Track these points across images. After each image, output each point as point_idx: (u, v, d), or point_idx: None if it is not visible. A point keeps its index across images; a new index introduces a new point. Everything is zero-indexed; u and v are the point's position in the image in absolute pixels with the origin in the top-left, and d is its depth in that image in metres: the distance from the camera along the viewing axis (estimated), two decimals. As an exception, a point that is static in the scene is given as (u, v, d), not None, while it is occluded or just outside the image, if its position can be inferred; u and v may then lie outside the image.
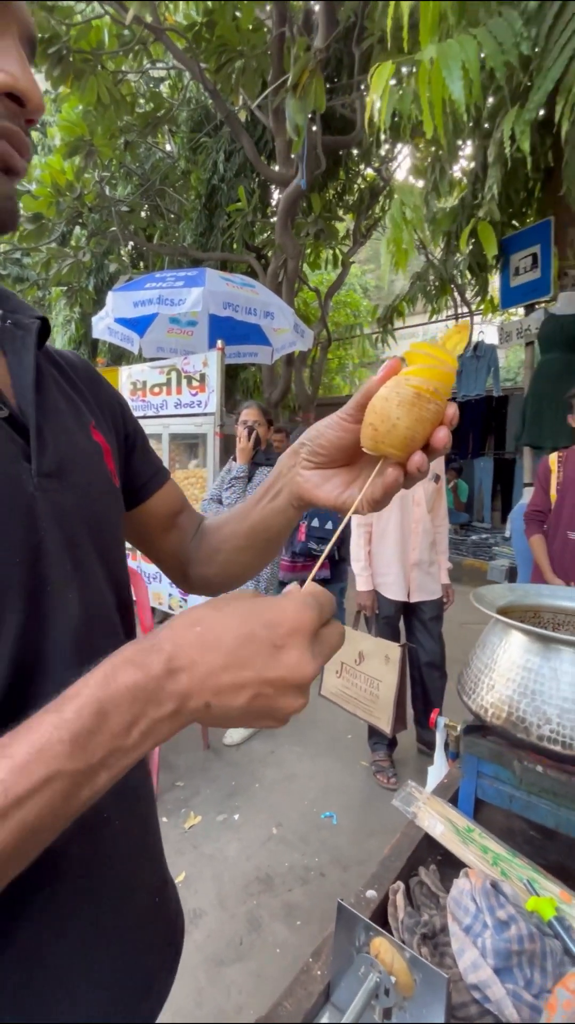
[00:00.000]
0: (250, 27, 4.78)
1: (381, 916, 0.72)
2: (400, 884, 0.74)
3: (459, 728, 1.02)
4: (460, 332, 0.41)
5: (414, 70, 1.67)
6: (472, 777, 0.91)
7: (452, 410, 0.39)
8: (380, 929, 0.56)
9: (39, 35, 4.36)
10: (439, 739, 1.12)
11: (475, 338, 8.19)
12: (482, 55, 1.55)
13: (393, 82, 1.74)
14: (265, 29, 5.10)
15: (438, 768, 1.11)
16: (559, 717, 0.78)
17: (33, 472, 0.42)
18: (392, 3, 1.49)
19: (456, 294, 7.86)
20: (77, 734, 0.29)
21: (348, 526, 2.52)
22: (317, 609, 0.33)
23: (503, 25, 1.48)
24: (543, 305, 4.51)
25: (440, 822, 0.86)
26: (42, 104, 0.39)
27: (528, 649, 0.85)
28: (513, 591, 1.06)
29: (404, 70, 1.85)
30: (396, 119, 1.92)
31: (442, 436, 0.39)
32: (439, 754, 1.12)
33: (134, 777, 0.50)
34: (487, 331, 8.93)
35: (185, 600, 3.85)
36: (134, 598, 0.57)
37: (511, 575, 5.88)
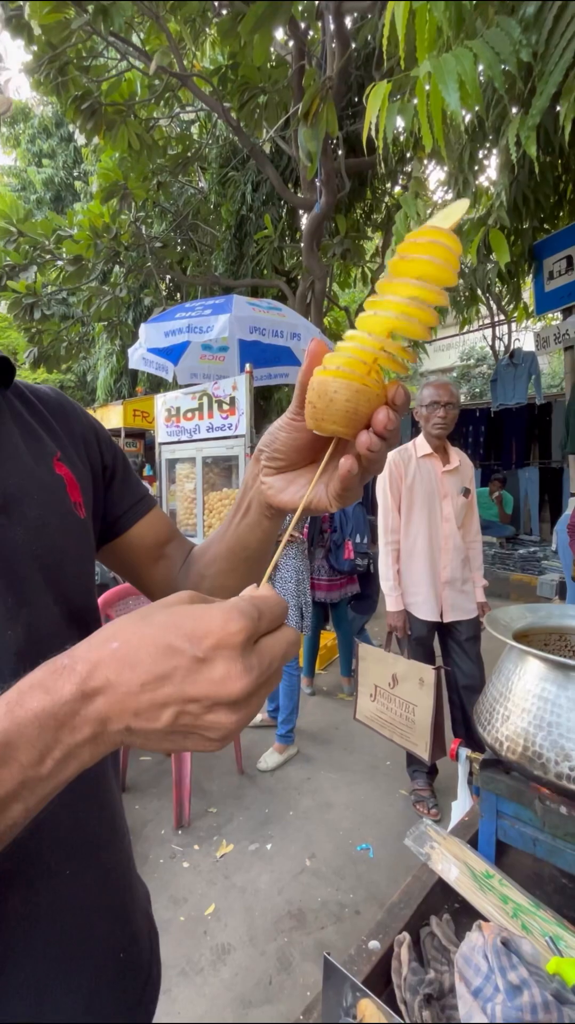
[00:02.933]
0: (271, 64, 4.96)
1: (384, 971, 0.67)
2: (406, 936, 0.69)
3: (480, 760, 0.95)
4: (460, 210, 0.36)
5: (411, 87, 1.67)
6: (491, 817, 0.85)
7: (395, 390, 0.36)
8: (366, 990, 0.51)
9: (74, 94, 4.69)
10: (462, 772, 1.05)
11: (512, 345, 7.97)
12: (479, 66, 1.54)
13: (397, 98, 1.75)
14: (287, 63, 5.28)
15: (462, 804, 1.04)
16: (579, 753, 0.71)
17: None
18: (388, 26, 1.50)
19: (491, 302, 7.70)
20: None
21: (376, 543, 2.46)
22: (251, 616, 0.30)
23: (500, 35, 1.46)
24: (581, 308, 4.34)
25: (456, 866, 0.80)
26: None
27: (544, 677, 0.78)
28: (534, 612, 0.99)
29: (404, 89, 1.86)
30: (401, 135, 1.92)
31: (382, 418, 0.36)
32: (462, 788, 1.04)
33: (92, 822, 0.48)
34: (524, 338, 8.68)
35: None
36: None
37: (562, 590, 5.57)
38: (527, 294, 5.66)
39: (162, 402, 4.54)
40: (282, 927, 1.73)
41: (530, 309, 5.47)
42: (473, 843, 0.88)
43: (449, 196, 5.35)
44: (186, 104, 6.71)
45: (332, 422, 0.36)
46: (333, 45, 3.94)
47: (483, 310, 8.30)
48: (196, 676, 0.28)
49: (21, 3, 3.86)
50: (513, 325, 8.23)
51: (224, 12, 5.30)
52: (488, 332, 8.69)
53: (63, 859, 0.44)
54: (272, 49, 4.60)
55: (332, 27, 3.56)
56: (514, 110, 2.38)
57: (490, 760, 0.86)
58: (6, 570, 0.43)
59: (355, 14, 4.80)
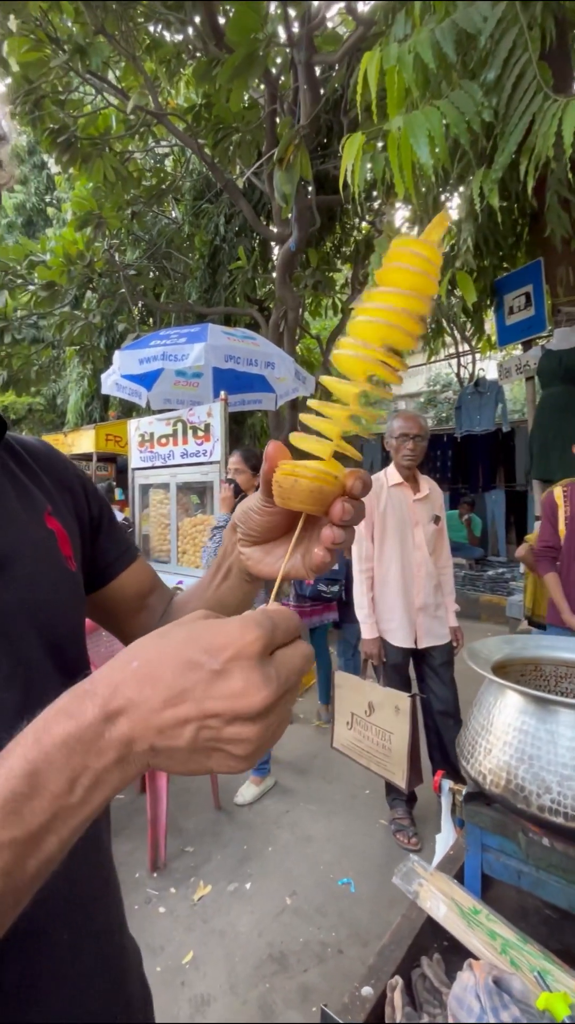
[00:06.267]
0: (244, 105, 5.17)
1: (379, 1017, 0.66)
2: (398, 980, 0.69)
3: (463, 793, 0.96)
4: (441, 223, 0.38)
5: (384, 139, 1.79)
6: (477, 850, 0.86)
7: (352, 481, 0.37)
8: (365, 1042, 0.51)
9: (50, 127, 4.77)
10: (445, 804, 1.06)
11: (476, 374, 8.32)
12: (446, 123, 1.66)
13: (379, 145, 1.85)
14: (259, 105, 5.51)
15: (446, 836, 1.05)
16: (559, 786, 0.73)
17: None
18: (361, 84, 1.62)
19: (456, 333, 8.04)
20: (7, 800, 0.27)
21: (350, 568, 2.50)
22: (267, 627, 0.29)
23: (464, 97, 1.59)
24: (540, 341, 4.58)
25: (444, 903, 0.80)
26: None
27: (523, 710, 0.81)
28: (511, 643, 1.03)
29: (376, 139, 1.99)
30: (371, 178, 2.03)
31: (337, 511, 0.37)
32: (446, 821, 1.05)
33: (86, 884, 0.48)
34: (488, 366, 9.08)
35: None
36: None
37: (530, 611, 5.71)
38: (489, 327, 5.95)
39: (135, 427, 4.53)
40: (263, 972, 1.68)
41: (493, 341, 5.74)
42: (459, 878, 0.89)
43: (414, 232, 5.64)
44: (161, 139, 6.89)
45: (299, 501, 0.38)
46: (305, 87, 4.14)
47: (448, 339, 8.66)
48: (214, 690, 0.28)
49: (-1, 39, 3.93)
50: (477, 355, 8.61)
51: (199, 55, 5.53)
52: (454, 360, 9.05)
53: (60, 926, 0.43)
54: (245, 92, 4.80)
55: (304, 78, 3.76)
56: (478, 157, 2.55)
57: (474, 793, 0.87)
58: (4, 633, 0.43)
59: (324, 64, 5.06)
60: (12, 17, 3.76)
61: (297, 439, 0.38)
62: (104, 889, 0.50)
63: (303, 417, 0.38)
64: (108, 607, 0.63)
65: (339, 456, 0.39)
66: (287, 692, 0.30)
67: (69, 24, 4.47)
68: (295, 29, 3.64)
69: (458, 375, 9.07)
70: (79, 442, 8.42)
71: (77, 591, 0.53)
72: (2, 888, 0.27)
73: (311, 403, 0.38)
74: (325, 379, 0.38)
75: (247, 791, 2.62)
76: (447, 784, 1.05)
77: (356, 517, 0.38)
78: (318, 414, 0.38)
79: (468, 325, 5.70)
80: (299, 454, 0.39)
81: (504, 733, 0.82)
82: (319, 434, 0.38)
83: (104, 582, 0.61)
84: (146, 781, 2.14)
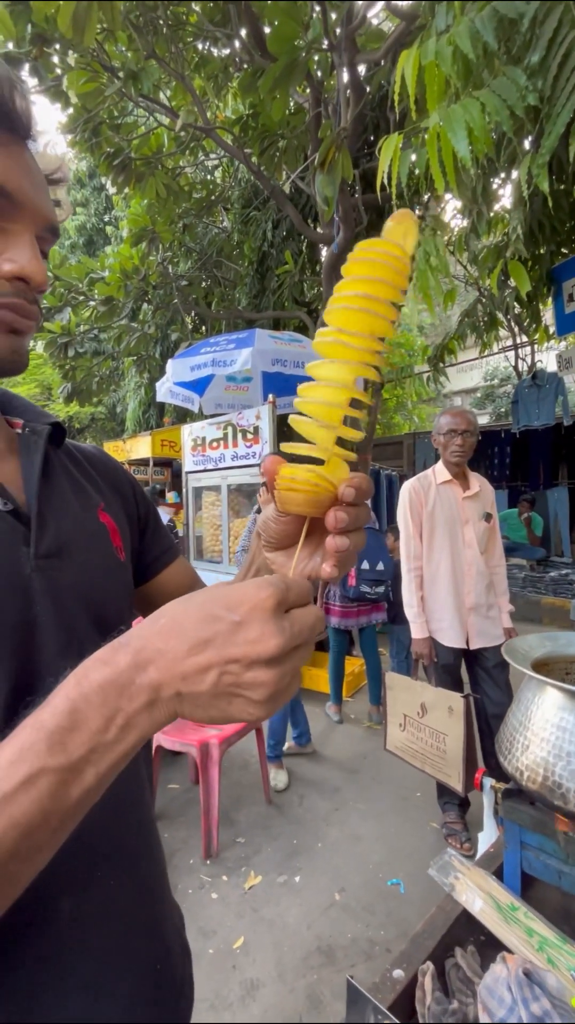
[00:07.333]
0: (290, 111, 5.24)
1: (408, 1000, 0.68)
2: (430, 965, 0.70)
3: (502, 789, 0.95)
4: (402, 221, 0.38)
5: (424, 136, 1.77)
6: (516, 848, 0.85)
7: (343, 489, 0.38)
8: (389, 1014, 0.53)
9: (106, 151, 5.04)
10: (487, 802, 1.05)
11: (535, 366, 7.94)
12: (487, 114, 1.62)
13: (423, 138, 1.83)
14: (305, 110, 5.57)
15: (488, 834, 1.03)
16: (598, 783, 0.72)
17: (31, 554, 0.48)
18: (398, 84, 1.62)
19: (513, 325, 7.72)
20: (53, 732, 0.31)
21: (399, 568, 2.47)
22: (280, 587, 0.33)
23: (507, 83, 1.55)
24: (603, 329, 4.33)
25: (480, 897, 0.80)
26: (44, 282, 0.47)
27: (563, 707, 0.79)
28: (554, 640, 1.00)
29: (418, 135, 1.97)
30: (418, 172, 2.01)
31: (330, 520, 0.38)
32: (488, 819, 1.04)
33: (131, 837, 0.53)
34: (546, 358, 8.64)
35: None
36: None
37: (597, 614, 5.39)
38: (547, 316, 5.68)
39: (188, 432, 4.69)
40: (311, 964, 1.70)
41: (551, 331, 5.48)
42: (498, 874, 0.88)
43: (464, 223, 5.48)
44: (210, 152, 7.10)
45: (298, 506, 0.40)
46: (348, 94, 4.15)
47: (503, 331, 8.31)
48: (234, 638, 0.32)
49: (60, 74, 4.21)
50: (535, 346, 8.22)
51: (245, 67, 5.65)
52: (510, 353, 8.68)
53: (106, 870, 0.48)
54: (290, 98, 4.86)
55: (347, 79, 3.77)
56: (526, 144, 2.47)
57: (512, 790, 0.86)
58: (60, 610, 0.48)
59: (369, 62, 5.03)
60: (70, 52, 4.03)
61: (293, 435, 0.39)
62: (147, 843, 0.55)
63: (296, 414, 0.39)
64: (152, 601, 0.69)
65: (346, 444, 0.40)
66: (299, 646, 0.34)
67: (123, 50, 4.71)
68: (337, 31, 3.66)
69: (515, 368, 8.70)
70: (137, 448, 8.81)
71: (125, 578, 0.59)
72: (50, 807, 0.31)
73: (293, 417, 0.39)
74: (310, 366, 0.39)
75: (280, 776, 2.72)
76: (488, 782, 1.04)
77: (353, 522, 0.39)
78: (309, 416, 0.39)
79: (524, 315, 5.48)
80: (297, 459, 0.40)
81: (542, 729, 0.80)
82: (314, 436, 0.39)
83: (148, 577, 0.67)
84: (199, 773, 2.23)
